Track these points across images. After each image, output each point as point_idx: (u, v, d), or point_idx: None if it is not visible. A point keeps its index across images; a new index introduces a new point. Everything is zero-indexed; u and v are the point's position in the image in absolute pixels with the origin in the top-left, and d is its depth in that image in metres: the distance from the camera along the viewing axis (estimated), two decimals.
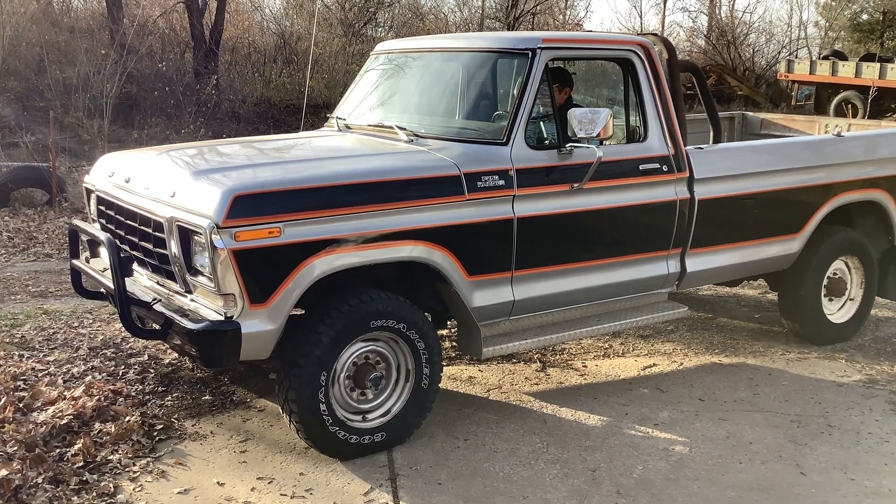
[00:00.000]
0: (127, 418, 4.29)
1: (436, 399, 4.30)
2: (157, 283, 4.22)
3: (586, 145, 4.34)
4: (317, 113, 16.66)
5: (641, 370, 5.33)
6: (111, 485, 3.75)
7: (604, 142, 4.40)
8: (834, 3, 37.16)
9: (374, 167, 4.18)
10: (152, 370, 5.01)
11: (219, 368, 4.88)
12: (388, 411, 4.16)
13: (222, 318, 3.72)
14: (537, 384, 5.07)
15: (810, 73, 22.84)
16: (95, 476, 3.81)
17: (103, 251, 4.49)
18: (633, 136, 4.92)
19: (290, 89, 17.13)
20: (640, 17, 37.99)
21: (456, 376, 5.14)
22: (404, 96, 5.22)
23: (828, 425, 4.57)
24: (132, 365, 5.06)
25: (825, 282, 5.75)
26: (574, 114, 4.32)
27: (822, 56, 24.81)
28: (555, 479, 3.95)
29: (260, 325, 3.73)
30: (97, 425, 4.23)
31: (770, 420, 4.63)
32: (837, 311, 5.90)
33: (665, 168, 4.83)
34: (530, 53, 4.47)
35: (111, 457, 3.98)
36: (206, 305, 3.84)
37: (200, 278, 3.79)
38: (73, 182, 10.17)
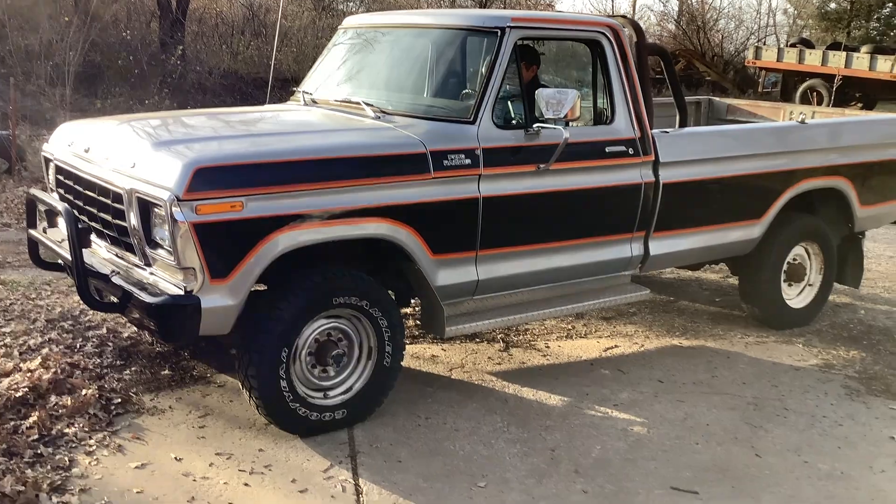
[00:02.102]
0: (84, 391, 4.23)
1: (398, 378, 4.30)
2: (116, 255, 4.15)
3: (553, 126, 4.33)
4: (284, 87, 16.46)
5: (603, 351, 5.37)
6: (66, 458, 3.70)
7: (570, 123, 4.38)
8: None
9: (340, 143, 4.14)
10: (111, 343, 4.94)
11: (177, 343, 4.82)
12: (350, 389, 4.15)
13: (182, 292, 3.66)
14: (500, 364, 5.08)
15: (778, 61, 23.02)
16: (51, 449, 3.76)
17: (61, 222, 4.42)
18: (600, 117, 4.93)
19: (257, 62, 16.90)
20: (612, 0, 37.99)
21: (419, 355, 5.14)
22: (372, 72, 5.17)
23: (784, 408, 4.65)
24: (90, 338, 4.98)
25: (785, 267, 5.82)
26: (542, 94, 4.30)
27: (789, 44, 25.03)
28: (514, 458, 3.97)
29: (220, 300, 3.68)
30: (53, 398, 4.16)
31: (727, 402, 4.69)
32: (797, 297, 5.97)
33: (631, 151, 4.82)
34: (499, 32, 4.44)
35: (67, 430, 3.93)
36: (165, 279, 3.78)
37: (160, 251, 3.73)
38: (33, 151, 9.96)
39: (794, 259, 5.89)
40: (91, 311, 5.37)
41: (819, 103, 19.31)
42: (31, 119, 11.33)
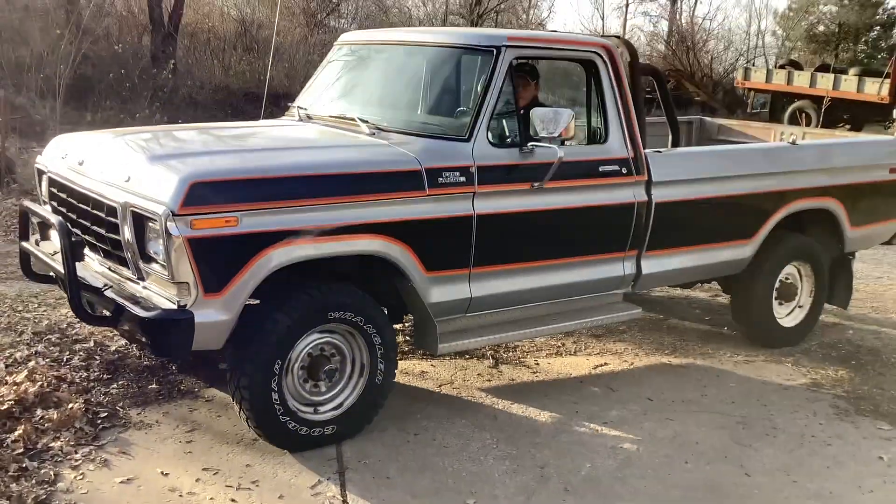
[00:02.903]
0: (70, 405, 4.20)
1: (388, 396, 4.28)
2: (109, 268, 4.13)
3: (547, 145, 4.35)
4: (276, 102, 16.48)
5: (593, 369, 5.37)
6: (52, 472, 3.66)
7: (565, 142, 4.41)
8: (791, 14, 37.79)
9: (335, 159, 4.14)
10: (98, 357, 4.90)
11: (169, 358, 4.80)
12: (341, 405, 4.14)
13: (175, 306, 3.65)
14: (489, 381, 5.07)
15: (766, 82, 23.20)
16: (36, 463, 3.72)
17: (54, 234, 4.39)
18: (593, 137, 4.93)
19: (249, 77, 16.91)
20: (603, 19, 38.22)
21: (408, 371, 5.12)
22: (367, 88, 5.18)
23: (772, 427, 4.65)
24: (77, 351, 4.95)
25: (777, 286, 5.83)
26: (536, 113, 4.33)
27: (778, 65, 25.24)
28: (503, 475, 3.95)
29: (214, 315, 3.67)
30: (39, 411, 4.13)
31: (716, 421, 4.69)
32: (787, 316, 5.99)
33: (624, 170, 4.84)
34: (495, 51, 4.45)
35: (53, 444, 3.89)
36: (158, 293, 3.76)
37: (154, 265, 3.72)
38: (22, 163, 9.91)
39: (786, 278, 5.91)
40: (78, 324, 5.34)
41: (808, 124, 19.44)
42: (21, 132, 11.28)
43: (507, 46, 4.47)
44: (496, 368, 5.26)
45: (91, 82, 13.89)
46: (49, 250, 4.51)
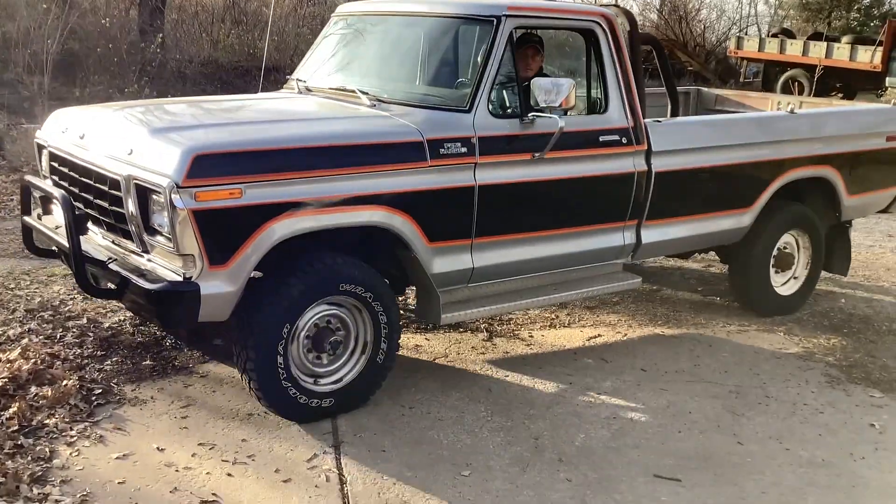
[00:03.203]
0: (64, 382, 4.19)
1: (388, 376, 4.30)
2: (112, 241, 4.13)
3: (548, 115, 4.34)
4: (266, 76, 16.36)
5: (586, 341, 5.38)
6: (47, 449, 3.67)
7: (566, 112, 4.40)
8: None
9: (338, 131, 4.15)
10: (91, 334, 4.90)
11: (176, 329, 4.81)
12: (340, 379, 4.16)
13: (181, 278, 3.67)
14: (483, 353, 5.08)
15: (759, 51, 23.09)
16: (31, 440, 3.72)
17: (56, 209, 4.38)
18: (593, 107, 4.94)
19: (238, 50, 16.74)
20: None
21: (402, 344, 5.09)
22: (366, 60, 5.16)
23: (765, 396, 4.68)
24: (70, 328, 4.94)
25: (775, 254, 5.87)
26: (537, 83, 4.32)
27: (770, 34, 25.11)
28: (498, 446, 3.97)
29: (219, 287, 3.70)
30: (33, 389, 4.13)
31: (709, 390, 4.71)
32: (785, 284, 6.03)
33: (624, 140, 4.84)
34: (495, 21, 4.44)
35: (47, 421, 3.89)
36: (163, 265, 3.78)
37: (159, 238, 3.73)
38: (11, 140, 9.84)
39: (784, 247, 5.95)
40: (71, 301, 5.33)
41: (800, 93, 19.41)
42: (10, 108, 11.19)
43: (507, 16, 4.46)
44: (490, 341, 5.27)
45: (79, 57, 13.75)
46: (51, 224, 4.50)
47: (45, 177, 4.70)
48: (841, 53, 21.30)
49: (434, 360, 4.95)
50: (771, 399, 4.64)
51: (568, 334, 5.48)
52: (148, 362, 4.62)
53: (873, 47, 20.97)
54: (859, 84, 20.66)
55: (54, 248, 4.51)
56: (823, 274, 6.38)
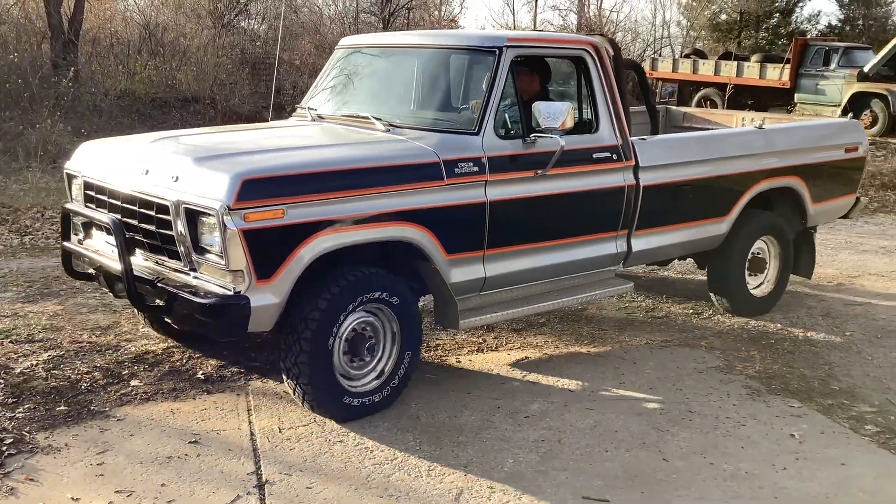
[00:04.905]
0: None
1: (412, 376, 4.66)
2: (155, 262, 4.43)
3: (550, 136, 4.75)
4: (185, 107, 16.10)
5: (514, 364, 5.39)
6: None
7: (564, 133, 4.78)
8: (695, 4, 38.76)
9: (366, 155, 4.54)
10: (1, 380, 4.70)
11: (229, 339, 5.12)
12: (374, 380, 4.53)
13: (231, 292, 4.01)
14: (411, 381, 5.03)
15: (673, 71, 23.77)
16: None
17: (98, 234, 4.81)
18: (586, 127, 5.32)
19: (156, 82, 16.42)
20: (513, 14, 38.51)
21: None
22: (376, 89, 5.59)
23: (689, 411, 4.75)
24: None
25: (749, 258, 6.34)
26: (539, 107, 4.73)
27: (683, 55, 25.88)
28: (427, 477, 3.93)
29: (266, 299, 4.06)
30: None
31: (635, 408, 4.76)
32: (759, 286, 6.52)
33: (614, 157, 5.29)
34: (497, 51, 4.86)
35: None
36: (210, 281, 4.11)
37: (208, 256, 4.06)
38: None
39: (757, 252, 6.44)
40: None
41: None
42: None
43: (507, 47, 4.88)
44: (419, 371, 5.22)
45: None
46: (92, 248, 4.84)
47: (75, 203, 4.99)
48: (751, 72, 22.07)
49: None
50: (694, 414, 4.72)
51: (495, 358, 5.49)
52: (62, 408, 4.45)
53: (781, 65, 21.77)
54: (770, 100, 21.40)
55: (91, 271, 4.93)
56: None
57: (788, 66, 21.61)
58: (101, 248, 4.75)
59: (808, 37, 28.41)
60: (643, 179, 5.41)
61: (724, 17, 38.21)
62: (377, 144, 4.69)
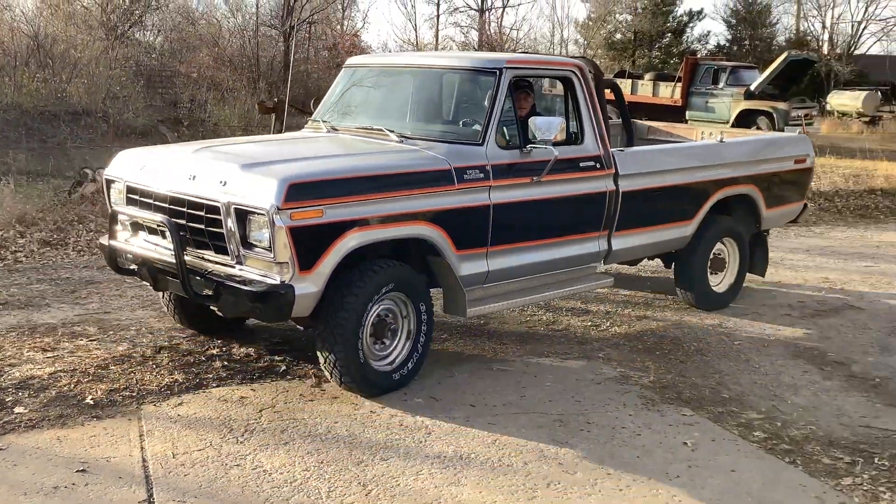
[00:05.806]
0: None
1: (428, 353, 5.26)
2: (195, 257, 4.92)
3: (544, 147, 5.39)
4: (75, 120, 15.55)
5: (416, 380, 5.38)
6: None
7: (556, 144, 5.41)
8: (591, 23, 39.82)
9: (389, 162, 5.13)
10: None
11: (276, 321, 5.49)
12: (394, 360, 5.15)
13: (276, 282, 4.55)
14: (312, 400, 4.98)
15: None
16: None
17: (143, 233, 5.26)
18: (572, 139, 5.95)
19: (44, 95, 15.86)
20: (416, 30, 38.79)
21: (226, 398, 4.94)
22: (384, 103, 6.30)
23: (587, 423, 4.83)
24: None
25: (711, 258, 7.05)
26: (535, 121, 5.36)
27: None
28: (328, 499, 3.88)
29: (307, 288, 4.62)
30: None
31: (535, 421, 4.82)
32: (720, 284, 7.26)
33: (598, 165, 5.97)
34: (498, 72, 5.53)
35: None
36: (256, 272, 4.65)
37: (257, 250, 4.60)
38: None
39: (718, 253, 7.17)
40: None
41: None
42: None
43: (506, 68, 5.56)
44: (319, 387, 5.17)
45: None
46: (137, 246, 5.27)
47: (113, 205, 5.44)
48: (644, 90, 22.82)
49: (260, 412, 4.79)
50: (592, 425, 4.81)
51: None
52: None
53: (673, 83, 22.57)
54: (663, 117, 22.10)
55: (134, 266, 5.28)
56: (630, 293, 7.18)
57: (680, 84, 22.42)
58: (145, 246, 5.21)
59: (699, 56, 29.55)
60: (622, 186, 6.07)
61: (618, 36, 39.44)
62: (396, 154, 5.29)
